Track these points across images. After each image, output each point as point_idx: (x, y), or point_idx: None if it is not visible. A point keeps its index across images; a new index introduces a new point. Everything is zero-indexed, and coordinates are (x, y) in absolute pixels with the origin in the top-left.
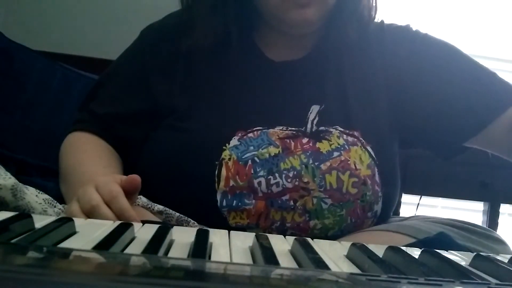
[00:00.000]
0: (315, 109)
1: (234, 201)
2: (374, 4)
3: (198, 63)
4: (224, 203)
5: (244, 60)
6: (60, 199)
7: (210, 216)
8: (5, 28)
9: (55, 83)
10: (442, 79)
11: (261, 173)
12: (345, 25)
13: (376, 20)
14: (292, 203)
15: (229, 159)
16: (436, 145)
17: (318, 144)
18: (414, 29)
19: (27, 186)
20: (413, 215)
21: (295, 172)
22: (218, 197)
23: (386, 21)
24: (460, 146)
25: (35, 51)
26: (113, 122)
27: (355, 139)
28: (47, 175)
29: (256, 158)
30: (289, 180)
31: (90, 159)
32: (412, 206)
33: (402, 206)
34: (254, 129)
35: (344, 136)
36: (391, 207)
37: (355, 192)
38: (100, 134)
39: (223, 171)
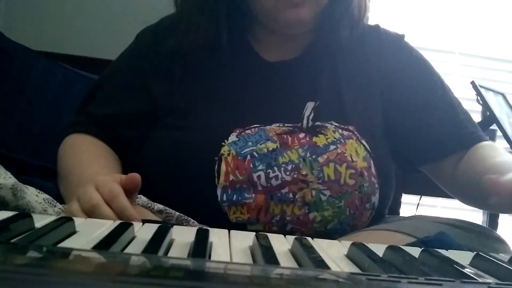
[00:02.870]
0: (310, 105)
1: (234, 196)
2: (365, 4)
3: (195, 63)
4: (225, 198)
5: (239, 60)
6: (60, 199)
7: (210, 212)
8: (5, 28)
9: (55, 83)
10: (425, 103)
11: (260, 167)
12: (337, 24)
13: (370, 22)
14: (292, 196)
15: (228, 154)
16: (398, 157)
17: (314, 139)
18: (411, 44)
19: (27, 186)
20: (413, 214)
21: (293, 165)
22: (218, 192)
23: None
24: (415, 168)
25: (35, 51)
26: (111, 124)
27: (350, 133)
28: (47, 175)
29: (254, 153)
30: (287, 173)
31: (88, 159)
32: (412, 206)
33: (402, 206)
34: (252, 126)
35: (340, 130)
36: (388, 199)
37: (353, 183)
38: (99, 136)
39: (223, 166)
